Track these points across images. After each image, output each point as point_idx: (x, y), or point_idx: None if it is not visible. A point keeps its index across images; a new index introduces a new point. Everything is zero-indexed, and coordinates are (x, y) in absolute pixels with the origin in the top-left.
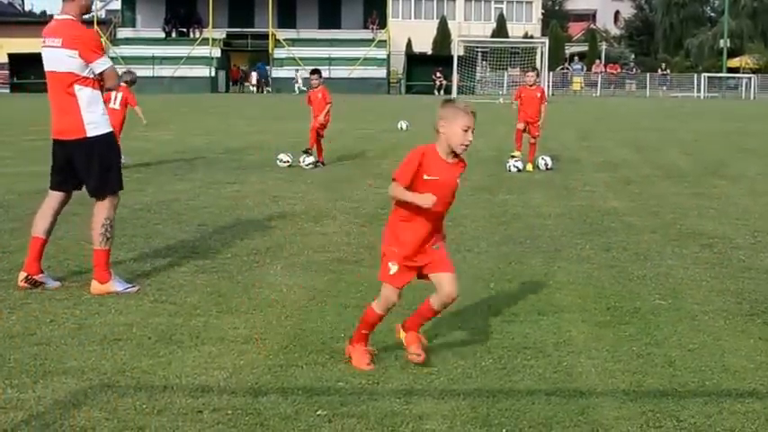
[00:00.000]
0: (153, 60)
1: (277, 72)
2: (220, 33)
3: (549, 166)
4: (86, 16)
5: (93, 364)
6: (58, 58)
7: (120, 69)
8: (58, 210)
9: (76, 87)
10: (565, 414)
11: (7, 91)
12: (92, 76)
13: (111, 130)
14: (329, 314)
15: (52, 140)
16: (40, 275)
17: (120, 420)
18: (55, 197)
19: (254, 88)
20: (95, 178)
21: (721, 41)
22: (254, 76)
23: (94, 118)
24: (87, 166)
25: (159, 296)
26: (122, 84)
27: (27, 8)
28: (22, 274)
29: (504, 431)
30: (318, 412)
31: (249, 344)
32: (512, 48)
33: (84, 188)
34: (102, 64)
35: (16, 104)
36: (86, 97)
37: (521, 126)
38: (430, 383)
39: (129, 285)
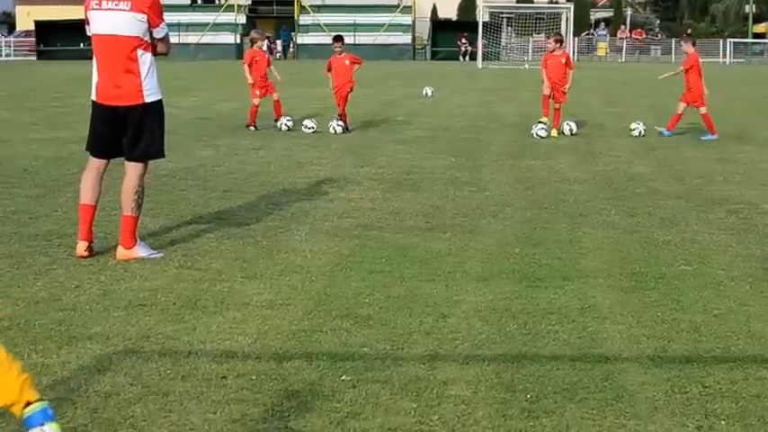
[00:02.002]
0: (179, 27)
1: (302, 38)
2: (245, 0)
3: (573, 132)
4: None
5: (118, 329)
6: (125, 22)
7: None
8: (102, 176)
9: (139, 52)
10: (589, 379)
11: (33, 58)
12: (149, 40)
13: (161, 97)
14: (354, 280)
15: (99, 105)
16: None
17: (144, 386)
18: (98, 164)
19: (278, 54)
20: (145, 142)
21: (747, 7)
22: (278, 43)
23: (152, 84)
24: (138, 131)
25: (184, 262)
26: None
27: None
28: (84, 244)
29: (528, 396)
30: (343, 377)
31: (273, 309)
32: (537, 13)
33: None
34: (164, 29)
35: (42, 71)
36: (148, 62)
37: (546, 92)
38: (454, 349)
39: (154, 251)
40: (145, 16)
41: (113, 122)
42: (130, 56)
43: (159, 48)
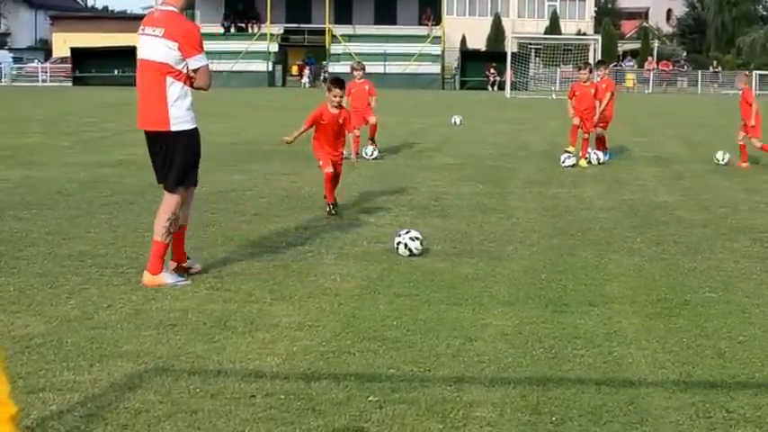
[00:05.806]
0: (211, 55)
1: (333, 67)
2: (278, 29)
3: (600, 161)
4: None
5: (149, 348)
6: (156, 48)
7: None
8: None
9: (168, 80)
10: (614, 403)
11: (69, 84)
12: (185, 71)
13: (195, 126)
14: (382, 303)
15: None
16: (187, 261)
17: (174, 403)
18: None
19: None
20: (174, 172)
21: None
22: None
23: (180, 113)
24: (166, 160)
25: (215, 283)
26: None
27: (89, 3)
28: (171, 264)
29: (553, 419)
30: (370, 398)
31: (302, 330)
32: (565, 44)
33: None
34: (198, 60)
35: (77, 97)
36: (176, 91)
37: (576, 121)
38: (481, 371)
39: (181, 279)
40: (176, 44)
41: (150, 148)
42: (159, 82)
43: (196, 81)
